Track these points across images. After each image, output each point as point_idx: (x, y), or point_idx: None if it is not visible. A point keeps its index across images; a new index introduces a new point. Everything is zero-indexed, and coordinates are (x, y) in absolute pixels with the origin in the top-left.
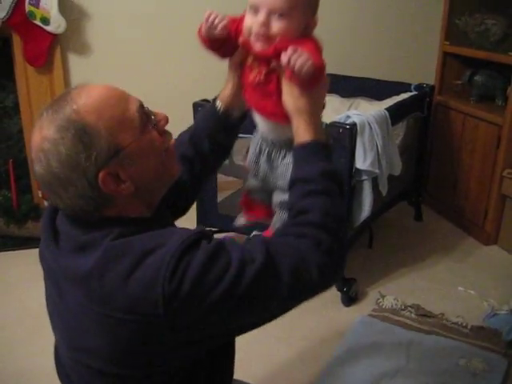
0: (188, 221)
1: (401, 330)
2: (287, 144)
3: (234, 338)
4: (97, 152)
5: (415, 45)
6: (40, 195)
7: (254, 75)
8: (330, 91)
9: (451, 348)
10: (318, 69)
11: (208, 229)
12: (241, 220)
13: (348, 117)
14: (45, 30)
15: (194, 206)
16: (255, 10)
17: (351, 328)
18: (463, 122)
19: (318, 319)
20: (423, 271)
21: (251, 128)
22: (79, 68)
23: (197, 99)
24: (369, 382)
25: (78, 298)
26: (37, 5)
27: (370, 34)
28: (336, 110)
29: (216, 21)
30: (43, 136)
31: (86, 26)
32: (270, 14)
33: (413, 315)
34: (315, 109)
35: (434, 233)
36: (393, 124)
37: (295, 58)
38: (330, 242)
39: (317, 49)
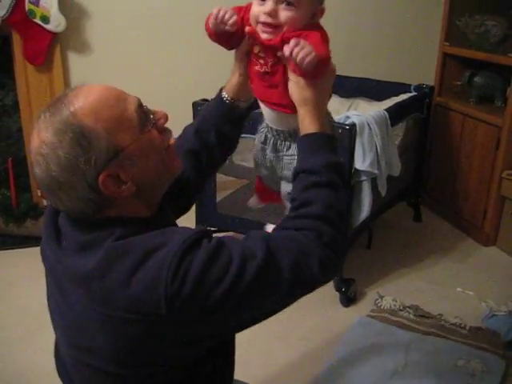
0: (187, 220)
1: (399, 330)
2: (292, 135)
3: (235, 337)
4: (96, 154)
5: (415, 45)
6: (39, 194)
7: (261, 65)
8: None
9: (449, 349)
10: (322, 60)
11: (207, 228)
12: (254, 202)
13: (347, 117)
14: (45, 29)
15: (193, 205)
16: None
17: (350, 328)
18: (463, 122)
19: (316, 319)
20: (422, 272)
21: (253, 129)
22: (79, 67)
23: (196, 98)
24: (367, 382)
25: (80, 297)
26: (37, 3)
27: (369, 35)
28: (335, 110)
29: (226, 16)
30: (41, 140)
31: (86, 24)
32: (277, 2)
33: (411, 316)
34: (321, 99)
35: (432, 234)
36: (392, 125)
37: (298, 50)
38: (332, 234)
39: (323, 39)
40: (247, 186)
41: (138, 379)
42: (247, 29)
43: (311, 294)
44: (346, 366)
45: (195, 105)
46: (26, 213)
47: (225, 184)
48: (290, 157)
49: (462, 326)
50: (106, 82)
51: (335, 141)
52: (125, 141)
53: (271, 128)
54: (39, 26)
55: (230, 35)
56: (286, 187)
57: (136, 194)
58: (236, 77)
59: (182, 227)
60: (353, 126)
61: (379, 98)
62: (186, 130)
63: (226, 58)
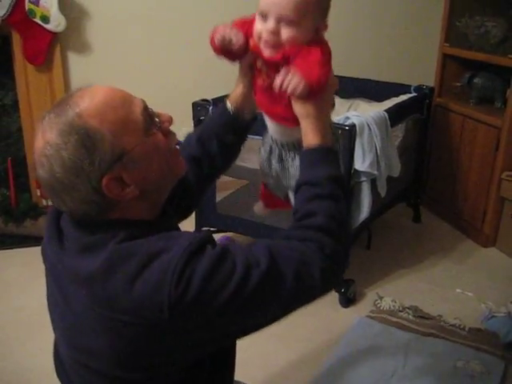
0: (187, 221)
1: (398, 331)
2: (296, 146)
3: (236, 341)
4: (100, 157)
5: (415, 46)
6: (38, 194)
7: (264, 79)
8: None
9: (449, 350)
10: (313, 87)
11: (207, 229)
12: (260, 208)
13: (347, 118)
14: (44, 29)
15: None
16: (264, 16)
17: (349, 329)
18: (462, 124)
19: (315, 320)
20: (421, 273)
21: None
22: (79, 66)
23: (196, 99)
24: (367, 383)
25: (82, 298)
26: (37, 3)
27: (369, 35)
28: (335, 111)
29: (234, 40)
30: (46, 140)
31: (86, 24)
32: (279, 21)
33: (411, 317)
34: (323, 112)
35: (432, 234)
36: (392, 125)
37: (287, 82)
38: (334, 245)
39: (323, 57)
40: (247, 187)
41: (138, 381)
42: (251, 43)
43: None
44: (346, 366)
45: (195, 105)
46: (26, 213)
47: (224, 184)
48: (296, 167)
49: (462, 327)
50: (106, 82)
51: (337, 153)
52: (130, 143)
53: (275, 140)
54: (39, 25)
55: (234, 50)
56: (293, 196)
57: (139, 197)
58: (240, 88)
59: (185, 232)
60: (352, 126)
61: (379, 98)
62: (188, 137)
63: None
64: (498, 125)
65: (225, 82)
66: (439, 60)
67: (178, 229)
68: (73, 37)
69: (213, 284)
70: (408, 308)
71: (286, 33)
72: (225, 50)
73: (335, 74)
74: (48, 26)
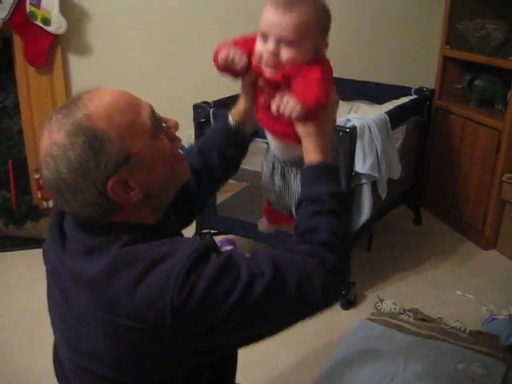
0: None
1: (399, 334)
2: (297, 163)
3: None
4: (107, 159)
5: (416, 49)
6: (39, 196)
7: (265, 98)
8: None
9: (450, 352)
10: (314, 107)
11: (207, 231)
12: (264, 225)
13: (348, 120)
14: (45, 31)
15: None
16: (265, 37)
17: (350, 332)
18: (463, 126)
19: (316, 322)
20: (422, 275)
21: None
22: (80, 69)
23: (197, 101)
24: None
25: (83, 301)
26: (38, 5)
27: (370, 38)
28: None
29: (236, 60)
30: (52, 141)
31: (87, 26)
32: (279, 42)
33: (411, 319)
34: (324, 130)
35: (433, 237)
36: (393, 128)
37: (283, 106)
38: (335, 261)
39: (322, 76)
40: (247, 189)
41: None
42: (252, 63)
43: None
44: (346, 369)
45: (196, 107)
46: (26, 215)
47: (225, 186)
48: (298, 184)
49: (462, 329)
50: (107, 85)
51: (338, 169)
52: (136, 147)
53: (277, 157)
54: (40, 28)
55: (236, 70)
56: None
57: (143, 201)
58: (242, 104)
59: (188, 238)
60: (353, 128)
61: (380, 100)
62: (189, 147)
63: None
64: (499, 127)
65: (226, 84)
66: (440, 62)
67: (181, 235)
68: (74, 39)
69: (217, 291)
70: (409, 310)
71: (285, 53)
72: (227, 69)
73: (336, 75)
74: (49, 29)
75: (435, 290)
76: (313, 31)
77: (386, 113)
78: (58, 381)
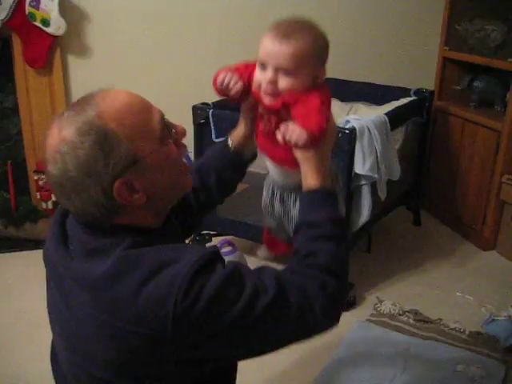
0: None
1: (398, 335)
2: (296, 188)
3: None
4: (115, 160)
5: (415, 50)
6: (38, 197)
7: (265, 124)
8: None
9: (449, 354)
10: (317, 133)
11: (206, 232)
12: (263, 252)
13: (347, 121)
14: (45, 32)
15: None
16: (263, 65)
17: (349, 333)
18: (462, 127)
19: None
20: (421, 276)
21: None
22: (79, 70)
23: (196, 102)
24: None
25: (84, 303)
26: (37, 6)
27: (369, 39)
28: (335, 114)
29: (231, 84)
30: (62, 137)
31: (86, 28)
32: (276, 70)
33: (411, 320)
34: (323, 156)
35: (432, 238)
36: (392, 129)
37: (288, 136)
38: (335, 285)
39: (322, 103)
40: (247, 190)
41: None
42: (252, 90)
43: None
44: (345, 370)
45: (195, 108)
46: (25, 216)
47: None
48: (297, 209)
49: (462, 330)
50: (106, 86)
51: (336, 195)
52: (145, 150)
53: (276, 182)
54: (39, 29)
55: (231, 95)
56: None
57: (145, 204)
58: (241, 129)
59: (193, 245)
60: (353, 130)
61: (379, 102)
62: (190, 165)
63: (227, 62)
64: (498, 128)
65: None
66: (439, 63)
67: (183, 241)
68: (73, 40)
69: (222, 300)
70: (408, 312)
71: (283, 82)
72: (224, 93)
73: (335, 77)
74: (48, 30)
75: (435, 291)
76: (310, 60)
77: (386, 114)
78: (56, 382)
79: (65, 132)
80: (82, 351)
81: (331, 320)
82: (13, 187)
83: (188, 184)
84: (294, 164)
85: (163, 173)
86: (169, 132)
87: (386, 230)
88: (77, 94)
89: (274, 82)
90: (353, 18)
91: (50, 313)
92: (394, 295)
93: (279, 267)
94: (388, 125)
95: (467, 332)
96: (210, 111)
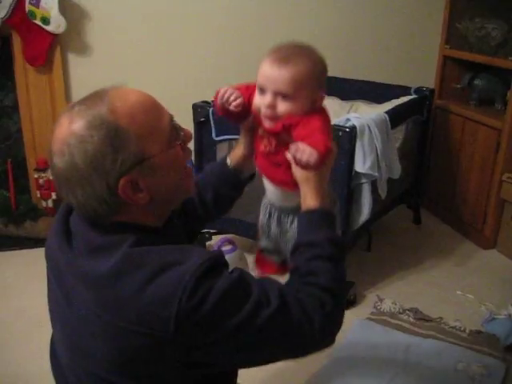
0: None
1: (399, 333)
2: (294, 210)
3: None
4: (123, 157)
5: (415, 48)
6: (38, 195)
7: (264, 145)
8: (330, 94)
9: (449, 352)
10: (322, 155)
11: (207, 230)
12: (254, 273)
13: (348, 120)
14: (45, 30)
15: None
16: (262, 90)
17: (349, 331)
18: (463, 125)
19: None
20: (422, 274)
21: None
22: (79, 68)
23: (197, 100)
24: None
25: (86, 300)
26: (37, 4)
27: (370, 37)
28: (336, 112)
29: (231, 98)
30: (72, 130)
31: (86, 26)
32: (275, 95)
33: (411, 319)
34: (323, 176)
35: (432, 236)
36: (392, 127)
37: (299, 156)
38: (333, 304)
39: (323, 124)
40: (247, 189)
41: None
42: (252, 111)
43: None
44: (345, 368)
45: (195, 106)
46: (25, 214)
47: None
48: (294, 231)
49: (462, 329)
50: (106, 84)
51: (334, 216)
52: (152, 150)
53: (274, 203)
54: (39, 27)
55: (236, 112)
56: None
57: (147, 204)
58: (241, 149)
59: (199, 248)
60: (353, 128)
61: (379, 100)
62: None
63: (227, 61)
64: (499, 126)
65: (225, 83)
66: (439, 62)
67: (186, 240)
68: (73, 38)
69: (227, 306)
70: (408, 310)
71: (282, 107)
72: (225, 110)
73: (336, 75)
74: (48, 28)
75: (435, 289)
76: (309, 84)
77: (386, 112)
78: (55, 379)
79: (75, 125)
80: (83, 349)
81: (327, 337)
82: (13, 186)
83: (191, 188)
84: (293, 185)
85: (168, 174)
86: (177, 134)
87: (387, 228)
88: (77, 92)
89: (272, 107)
90: (353, 17)
91: (50, 310)
92: (394, 293)
93: (279, 279)
94: (388, 123)
95: (467, 330)
96: (211, 109)
